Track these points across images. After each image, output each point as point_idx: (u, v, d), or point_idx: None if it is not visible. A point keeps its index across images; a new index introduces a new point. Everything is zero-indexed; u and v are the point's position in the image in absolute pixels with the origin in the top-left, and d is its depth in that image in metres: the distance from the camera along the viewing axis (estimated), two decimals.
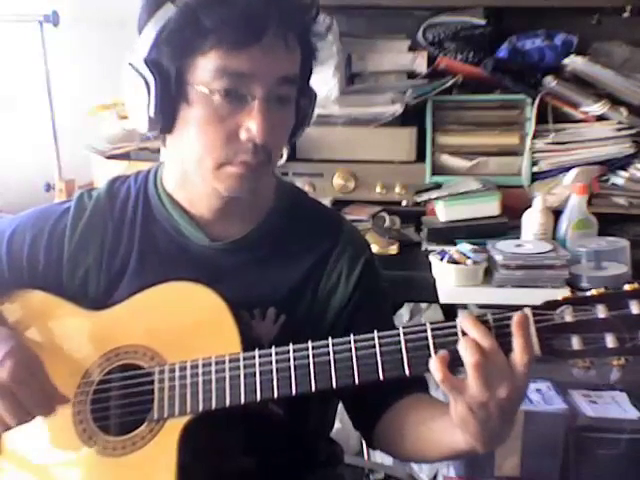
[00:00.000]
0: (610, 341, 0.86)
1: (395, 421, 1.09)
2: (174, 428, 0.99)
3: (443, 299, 1.76)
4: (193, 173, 1.06)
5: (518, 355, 0.86)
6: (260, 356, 0.97)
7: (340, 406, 1.23)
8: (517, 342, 0.87)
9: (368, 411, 1.12)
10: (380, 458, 2.18)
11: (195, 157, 1.02)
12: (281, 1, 0.98)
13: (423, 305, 2.16)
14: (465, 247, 1.77)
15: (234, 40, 0.95)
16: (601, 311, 0.86)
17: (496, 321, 0.89)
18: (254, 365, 0.96)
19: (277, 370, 0.95)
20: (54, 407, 1.01)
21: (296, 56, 1.02)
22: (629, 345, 0.85)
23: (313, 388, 0.94)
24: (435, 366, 0.88)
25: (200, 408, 0.98)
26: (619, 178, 2.00)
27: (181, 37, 0.97)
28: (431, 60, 2.09)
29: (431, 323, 0.92)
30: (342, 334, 0.95)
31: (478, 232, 1.90)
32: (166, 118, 1.01)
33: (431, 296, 1.75)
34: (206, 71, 0.97)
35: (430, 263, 1.78)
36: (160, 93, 0.99)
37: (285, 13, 0.97)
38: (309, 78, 1.07)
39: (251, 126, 0.98)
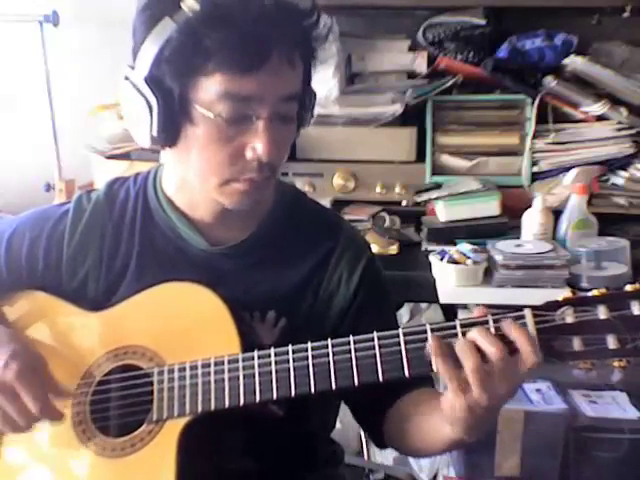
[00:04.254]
0: (611, 342, 0.86)
1: (399, 417, 1.09)
2: (173, 429, 0.98)
3: (443, 299, 1.76)
4: (196, 185, 1.05)
5: (524, 358, 0.86)
6: (259, 357, 0.96)
7: (341, 406, 1.23)
8: (524, 346, 0.86)
9: (373, 410, 1.12)
10: (380, 458, 2.18)
11: (199, 174, 1.02)
12: (283, 18, 0.96)
13: (423, 305, 2.16)
14: (465, 247, 1.77)
15: (239, 64, 0.94)
16: (602, 312, 0.86)
17: (496, 322, 0.88)
18: (253, 366, 0.96)
19: (276, 371, 0.95)
20: (56, 410, 1.01)
21: (299, 71, 1.01)
22: (630, 346, 0.85)
23: (312, 389, 0.94)
24: (441, 365, 0.87)
25: (199, 409, 0.98)
26: (619, 178, 2.00)
27: (183, 57, 0.95)
28: (431, 60, 2.09)
29: (431, 324, 0.91)
30: (347, 337, 0.94)
31: (478, 232, 1.90)
32: (169, 136, 1.00)
33: (431, 296, 1.75)
34: (209, 93, 0.96)
35: (430, 263, 1.78)
36: (163, 114, 0.97)
37: (289, 31, 0.96)
38: (310, 81, 1.06)
39: (257, 146, 0.98)
